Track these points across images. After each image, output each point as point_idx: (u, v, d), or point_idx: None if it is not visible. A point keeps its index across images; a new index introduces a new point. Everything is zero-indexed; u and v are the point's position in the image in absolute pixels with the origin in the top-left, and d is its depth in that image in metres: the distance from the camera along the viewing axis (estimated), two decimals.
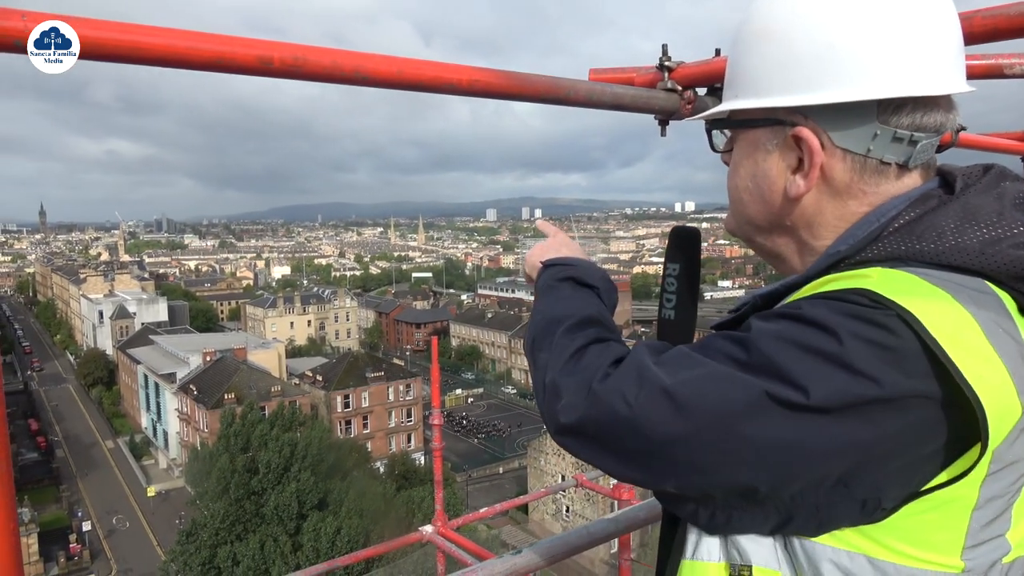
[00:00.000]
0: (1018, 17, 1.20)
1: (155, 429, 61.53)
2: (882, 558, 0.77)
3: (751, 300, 0.95)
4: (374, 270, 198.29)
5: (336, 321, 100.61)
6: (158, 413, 60.52)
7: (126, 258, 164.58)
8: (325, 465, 34.81)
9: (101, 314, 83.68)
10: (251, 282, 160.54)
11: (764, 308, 0.91)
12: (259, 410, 39.98)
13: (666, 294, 1.23)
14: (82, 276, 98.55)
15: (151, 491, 50.48)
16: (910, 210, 0.87)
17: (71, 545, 43.28)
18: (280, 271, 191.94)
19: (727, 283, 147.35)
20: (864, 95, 0.85)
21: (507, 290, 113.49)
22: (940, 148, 0.92)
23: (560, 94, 1.45)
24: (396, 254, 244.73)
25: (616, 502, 4.25)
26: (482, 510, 5.01)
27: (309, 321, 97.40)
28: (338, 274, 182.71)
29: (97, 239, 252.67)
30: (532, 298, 1.18)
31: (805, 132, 0.89)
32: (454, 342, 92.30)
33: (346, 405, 56.25)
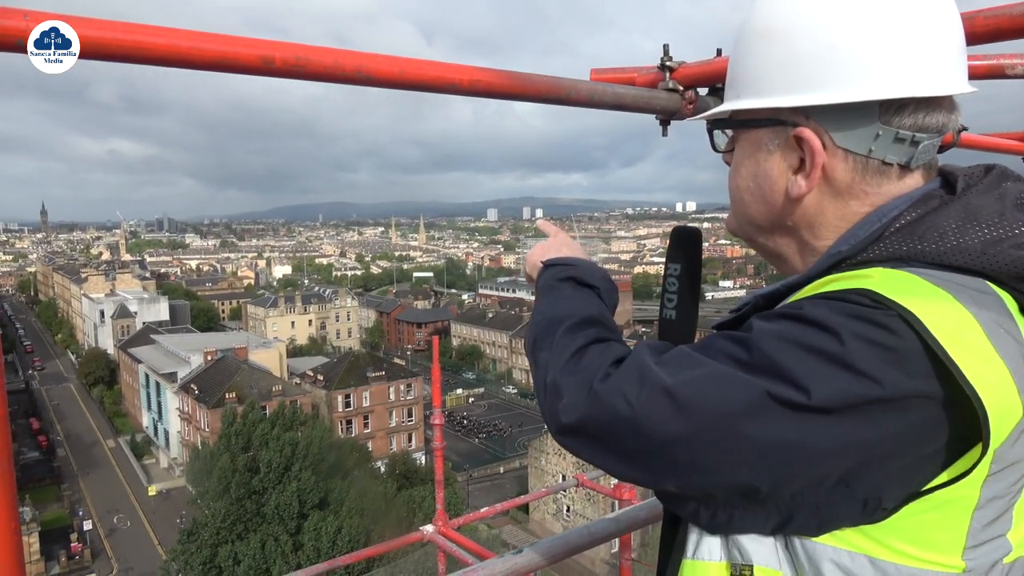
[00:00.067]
0: (1020, 17, 1.20)
1: (156, 428, 61.52)
2: (883, 558, 0.77)
3: (752, 300, 0.95)
4: (375, 270, 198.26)
5: (337, 321, 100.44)
6: (159, 412, 60.51)
7: (127, 257, 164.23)
8: (326, 464, 34.80)
9: (102, 313, 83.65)
10: (252, 282, 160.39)
11: (765, 308, 0.91)
12: (260, 409, 39.89)
13: (667, 294, 1.23)
14: (83, 275, 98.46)
15: (152, 490, 50.57)
16: (912, 210, 0.87)
17: (72, 544, 43.33)
18: (281, 271, 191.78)
19: (728, 283, 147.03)
20: (866, 95, 0.85)
21: (508, 290, 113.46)
22: (942, 148, 0.92)
23: (561, 94, 1.45)
24: (397, 254, 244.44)
25: (617, 502, 4.25)
26: (483, 510, 5.00)
27: (310, 321, 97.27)
28: (339, 274, 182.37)
29: (98, 238, 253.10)
30: (533, 298, 1.18)
31: (807, 132, 0.89)
32: (455, 342, 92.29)
33: (347, 404, 56.22)
